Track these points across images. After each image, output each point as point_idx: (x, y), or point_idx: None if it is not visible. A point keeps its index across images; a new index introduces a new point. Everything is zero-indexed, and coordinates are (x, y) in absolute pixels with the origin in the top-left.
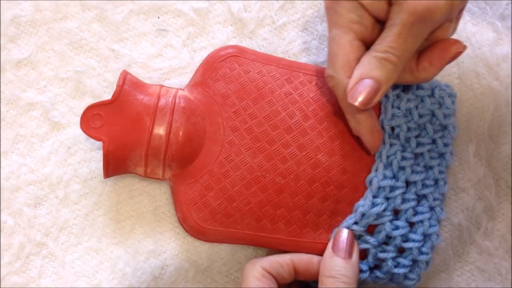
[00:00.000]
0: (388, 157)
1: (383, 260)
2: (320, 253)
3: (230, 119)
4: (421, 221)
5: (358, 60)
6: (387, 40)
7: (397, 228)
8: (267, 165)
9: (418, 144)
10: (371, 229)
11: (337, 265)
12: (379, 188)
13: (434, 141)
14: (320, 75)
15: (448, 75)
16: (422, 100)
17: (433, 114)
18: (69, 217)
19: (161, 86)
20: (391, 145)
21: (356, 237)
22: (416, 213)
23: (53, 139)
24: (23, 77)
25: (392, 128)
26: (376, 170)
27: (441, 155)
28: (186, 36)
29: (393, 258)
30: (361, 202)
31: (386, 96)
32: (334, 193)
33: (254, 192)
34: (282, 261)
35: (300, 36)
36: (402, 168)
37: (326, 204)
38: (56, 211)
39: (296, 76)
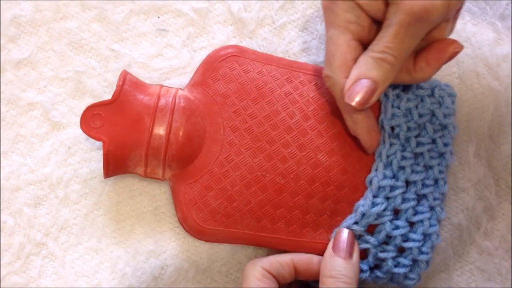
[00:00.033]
0: (388, 156)
1: (383, 260)
2: (320, 253)
3: (230, 119)
4: (421, 221)
5: (355, 60)
6: (384, 40)
7: (397, 227)
8: (267, 165)
9: (418, 144)
10: (371, 229)
11: (337, 265)
12: (379, 187)
13: (434, 141)
14: (320, 75)
15: (448, 75)
16: (422, 100)
17: (433, 114)
18: (69, 217)
19: (161, 86)
20: (391, 144)
21: (356, 237)
22: (416, 213)
23: (53, 139)
24: (23, 77)
25: (392, 128)
26: (376, 170)
27: (441, 155)
28: (186, 36)
29: (393, 258)
30: (361, 202)
31: (386, 95)
32: (334, 193)
33: (254, 192)
34: (283, 261)
35: (300, 36)
36: (402, 168)
37: (326, 204)
38: (56, 211)
39: (296, 76)
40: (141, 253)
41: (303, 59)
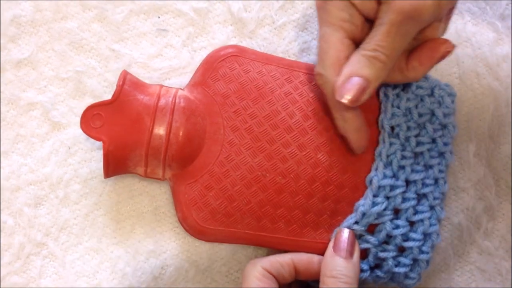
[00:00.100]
0: (388, 156)
1: (384, 259)
2: (321, 252)
3: (230, 119)
4: (421, 220)
5: (347, 58)
6: (376, 39)
7: (397, 227)
8: (267, 164)
9: (418, 143)
10: (371, 229)
11: (338, 265)
12: (379, 187)
13: (434, 140)
14: None
15: (448, 75)
16: (421, 100)
17: (433, 113)
18: (69, 217)
19: (161, 86)
20: (391, 144)
21: (356, 236)
22: (416, 212)
23: (53, 139)
24: (23, 77)
25: (392, 128)
26: (376, 169)
27: (441, 154)
28: (186, 36)
29: (394, 258)
30: (361, 201)
31: (386, 95)
32: (334, 192)
33: (254, 191)
34: (283, 261)
35: (300, 36)
36: (402, 167)
37: (326, 204)
38: (56, 211)
39: (296, 75)
40: (141, 253)
41: (303, 59)
